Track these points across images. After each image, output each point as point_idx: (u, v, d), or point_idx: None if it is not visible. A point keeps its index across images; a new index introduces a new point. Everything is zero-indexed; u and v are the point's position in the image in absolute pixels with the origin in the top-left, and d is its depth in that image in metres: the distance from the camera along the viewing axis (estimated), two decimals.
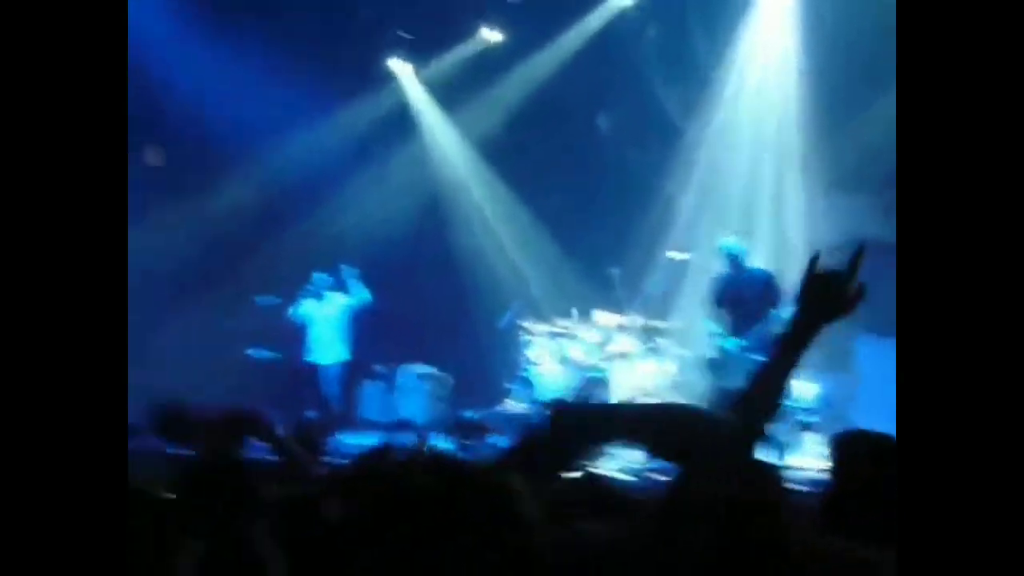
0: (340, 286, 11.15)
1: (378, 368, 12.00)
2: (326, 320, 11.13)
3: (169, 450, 5.02)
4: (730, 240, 9.77)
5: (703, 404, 9.07)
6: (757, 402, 2.43)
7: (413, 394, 11.80)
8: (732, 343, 9.45)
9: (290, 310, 11.12)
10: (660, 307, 10.91)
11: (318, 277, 11.10)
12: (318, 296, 11.09)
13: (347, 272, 11.10)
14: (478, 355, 11.98)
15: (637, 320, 10.85)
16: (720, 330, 9.68)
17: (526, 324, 11.38)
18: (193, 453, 4.19)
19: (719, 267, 9.85)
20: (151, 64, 11.92)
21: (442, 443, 8.87)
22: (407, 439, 8.34)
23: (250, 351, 11.65)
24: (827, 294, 2.40)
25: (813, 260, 2.44)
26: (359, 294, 11.05)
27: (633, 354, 10.79)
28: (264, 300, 11.40)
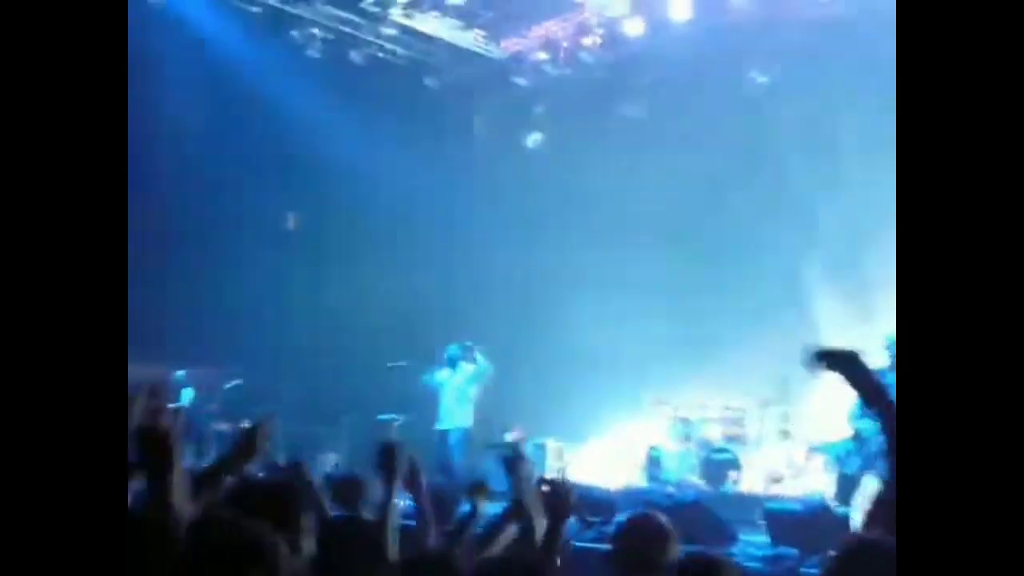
0: (468, 357, 11.30)
1: (502, 439, 12.03)
2: (454, 388, 11.28)
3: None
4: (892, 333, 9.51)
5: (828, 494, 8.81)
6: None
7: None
8: (868, 429, 9.16)
9: (424, 377, 11.29)
10: (794, 390, 10.66)
11: (451, 348, 11.26)
12: (451, 365, 11.25)
13: (471, 345, 11.27)
14: (604, 432, 11.91)
15: (769, 402, 10.63)
16: (859, 416, 9.41)
17: (657, 402, 11.28)
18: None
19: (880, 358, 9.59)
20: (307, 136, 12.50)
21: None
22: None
23: (381, 416, 11.83)
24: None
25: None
26: (483, 365, 11.19)
27: (763, 436, 10.57)
28: (395, 365, 11.60)
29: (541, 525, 4.08)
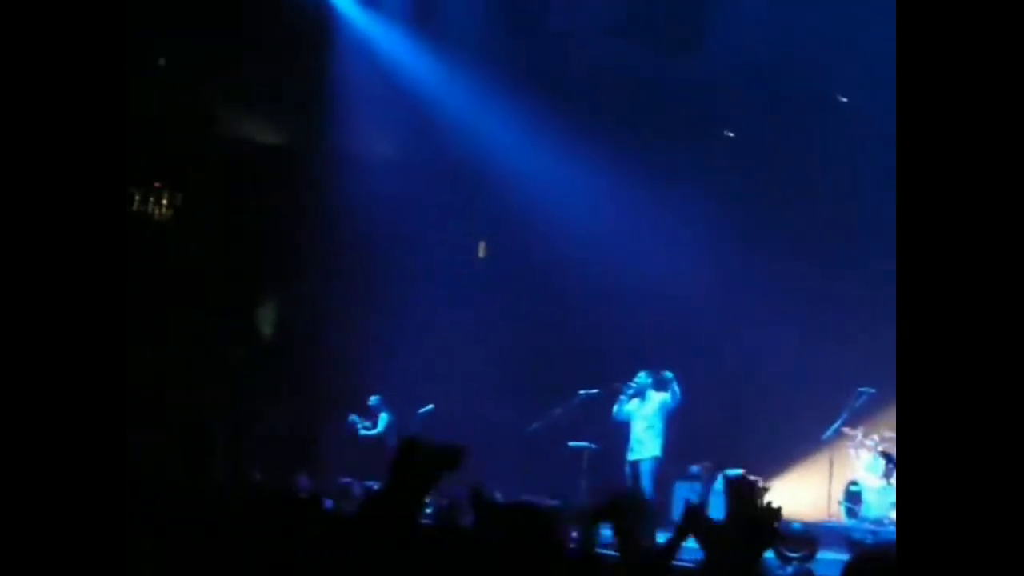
0: (658, 385, 11.20)
1: (694, 469, 11.85)
2: (644, 418, 11.20)
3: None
4: None
5: None
6: None
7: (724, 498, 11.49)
8: None
9: (615, 408, 11.25)
10: None
11: (641, 376, 11.20)
12: (641, 395, 11.18)
13: (668, 375, 11.16)
14: (802, 464, 11.58)
15: None
16: None
17: (856, 435, 10.89)
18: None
19: None
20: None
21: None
22: None
23: (571, 443, 11.86)
24: None
25: None
26: (675, 393, 11.06)
27: None
28: (586, 393, 11.61)
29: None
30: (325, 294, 13.74)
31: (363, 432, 12.78)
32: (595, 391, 11.60)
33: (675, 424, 11.25)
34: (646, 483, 11.14)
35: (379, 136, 14.04)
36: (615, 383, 11.22)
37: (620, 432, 11.29)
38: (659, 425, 11.22)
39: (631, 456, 11.21)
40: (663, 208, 13.13)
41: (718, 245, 13.25)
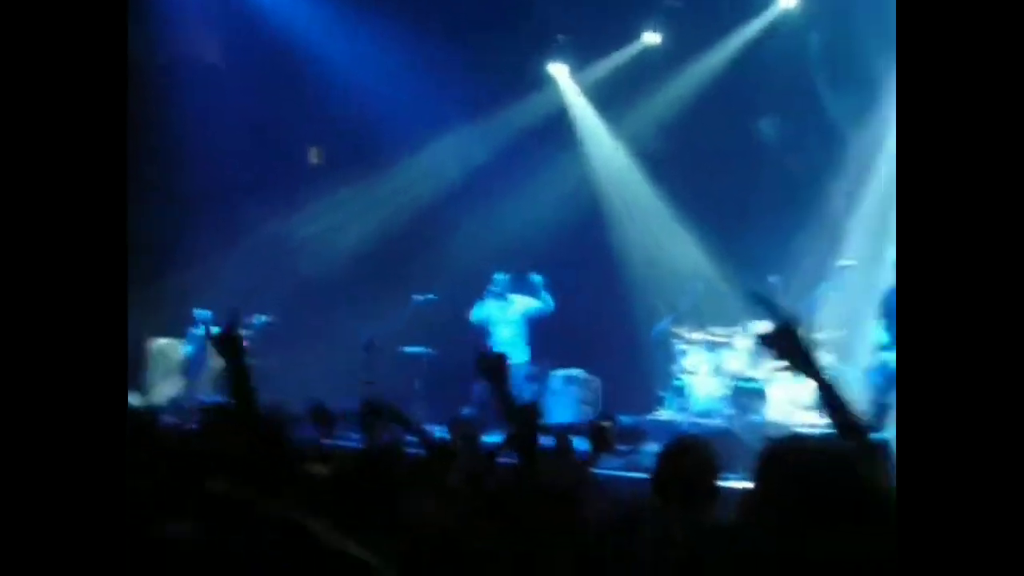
0: (520, 288, 11.16)
1: (531, 370, 12.04)
2: (509, 323, 11.16)
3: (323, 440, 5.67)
4: None
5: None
6: None
7: (561, 397, 11.75)
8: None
9: (472, 312, 11.18)
10: (820, 317, 10.58)
11: (500, 278, 11.14)
12: (501, 298, 11.12)
13: (536, 278, 11.11)
14: (631, 361, 11.89)
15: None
16: (889, 343, 9.35)
17: (682, 332, 11.24)
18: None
19: (888, 277, 9.52)
20: (305, 62, 12.33)
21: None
22: (548, 442, 8.24)
23: (406, 348, 11.85)
24: None
25: None
26: (547, 301, 11.06)
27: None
28: (421, 298, 11.57)
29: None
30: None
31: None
32: (431, 296, 11.59)
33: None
34: (522, 387, 11.13)
35: (200, 43, 13.37)
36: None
37: (464, 336, 11.25)
38: (524, 331, 11.22)
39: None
40: (490, 104, 13.06)
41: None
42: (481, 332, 11.28)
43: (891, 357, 9.14)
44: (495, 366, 3.96)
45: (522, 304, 11.17)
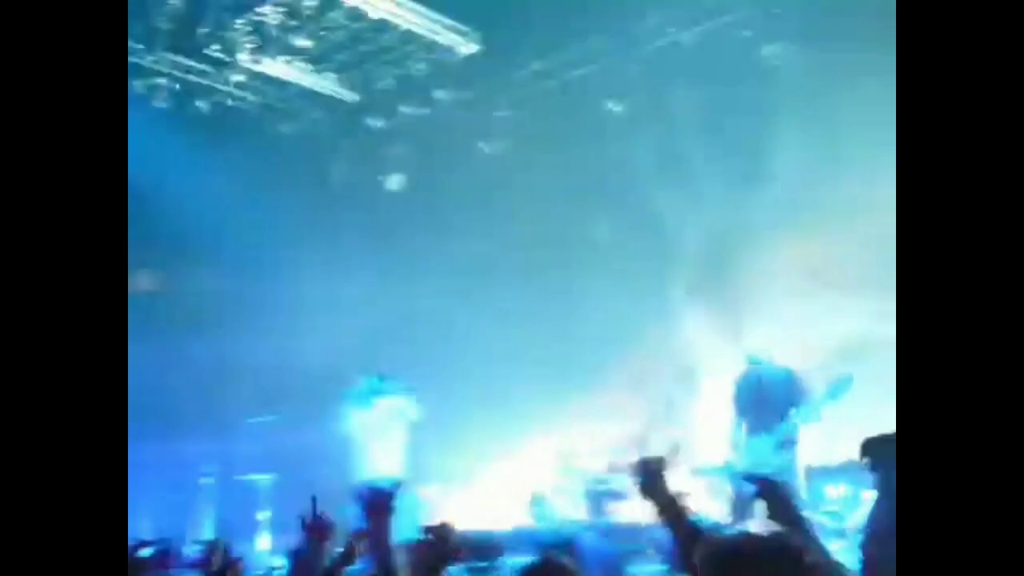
0: (390, 392, 10.56)
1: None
2: (380, 430, 10.46)
3: None
4: (755, 351, 9.49)
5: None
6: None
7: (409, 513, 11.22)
8: (755, 446, 9.11)
9: (342, 423, 10.43)
10: (677, 414, 10.55)
11: (370, 381, 10.51)
12: (366, 404, 10.46)
13: (404, 387, 10.56)
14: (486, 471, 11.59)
15: (652, 427, 10.49)
16: (741, 434, 9.36)
17: (536, 435, 11.04)
18: None
19: (735, 371, 9.57)
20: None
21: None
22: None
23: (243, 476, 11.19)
24: None
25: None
26: (414, 411, 10.46)
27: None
28: (258, 420, 11.00)
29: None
30: None
31: None
32: (270, 417, 11.02)
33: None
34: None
35: None
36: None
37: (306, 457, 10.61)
38: (396, 438, 10.51)
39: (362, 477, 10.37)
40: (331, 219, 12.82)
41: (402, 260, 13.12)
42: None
43: (748, 447, 9.14)
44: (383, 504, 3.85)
45: (390, 410, 10.53)
